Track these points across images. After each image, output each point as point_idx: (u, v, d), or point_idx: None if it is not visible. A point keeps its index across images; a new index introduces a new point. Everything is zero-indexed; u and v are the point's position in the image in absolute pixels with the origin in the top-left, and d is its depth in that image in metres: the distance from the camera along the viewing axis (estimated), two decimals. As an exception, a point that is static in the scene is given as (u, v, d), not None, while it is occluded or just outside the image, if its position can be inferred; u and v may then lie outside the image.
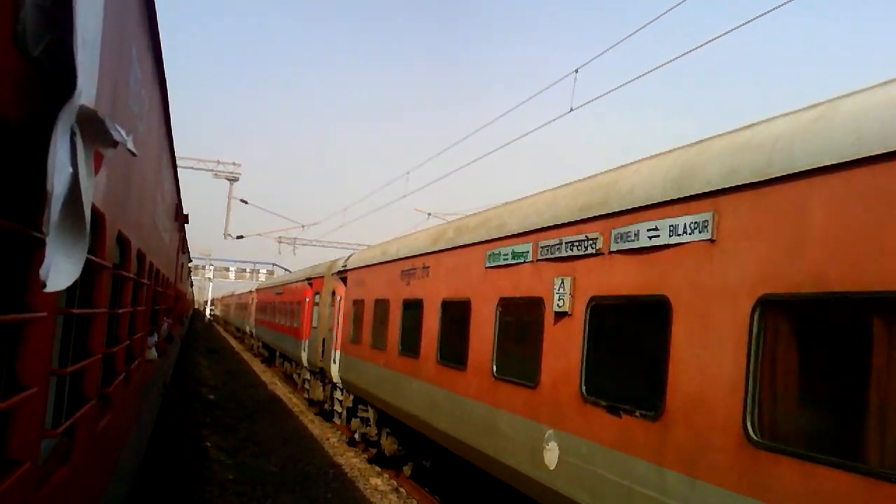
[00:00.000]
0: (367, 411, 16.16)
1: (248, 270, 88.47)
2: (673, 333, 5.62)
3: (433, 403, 10.89)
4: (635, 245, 6.17)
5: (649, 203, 6.01)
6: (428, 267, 11.72)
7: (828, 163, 4.35)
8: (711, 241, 5.27)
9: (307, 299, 23.81)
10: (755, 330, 4.82)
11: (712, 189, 5.30)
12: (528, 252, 8.13)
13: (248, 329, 50.84)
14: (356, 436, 17.11)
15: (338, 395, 18.92)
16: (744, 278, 4.95)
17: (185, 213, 16.52)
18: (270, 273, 79.89)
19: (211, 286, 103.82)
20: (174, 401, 19.94)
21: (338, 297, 18.86)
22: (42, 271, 2.23)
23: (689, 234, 5.50)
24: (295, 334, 26.01)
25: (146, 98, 5.79)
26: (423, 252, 12.06)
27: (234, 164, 39.16)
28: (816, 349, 4.61)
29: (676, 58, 10.30)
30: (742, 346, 4.90)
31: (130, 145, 3.01)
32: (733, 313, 5.01)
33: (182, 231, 18.26)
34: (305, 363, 23.56)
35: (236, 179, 39.27)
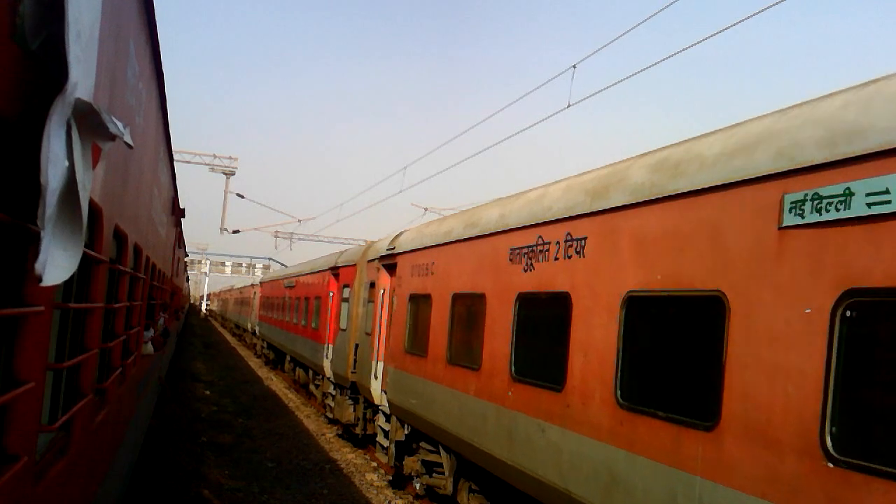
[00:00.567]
0: (435, 453, 11.51)
1: (244, 265, 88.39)
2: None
3: (595, 473, 6.52)
4: None
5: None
6: (580, 240, 7.18)
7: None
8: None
9: (331, 294, 19.58)
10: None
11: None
12: None
13: (249, 327, 46.57)
14: (416, 485, 12.25)
15: (381, 421, 14.05)
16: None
17: (181, 207, 16.50)
18: (266, 268, 79.83)
19: (207, 281, 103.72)
20: (168, 395, 19.93)
21: (380, 291, 14.23)
22: (38, 265, 2.21)
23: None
24: (313, 337, 21.47)
25: (143, 91, 5.77)
26: (568, 215, 7.43)
27: (230, 158, 39.06)
28: None
29: (674, 53, 10.30)
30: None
31: (127, 138, 3.00)
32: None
33: (178, 225, 18.23)
34: (329, 374, 19.03)
35: (233, 174, 39.17)
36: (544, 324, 7.95)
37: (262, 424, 18.56)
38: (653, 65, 10.90)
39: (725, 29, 9.18)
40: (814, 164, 4.54)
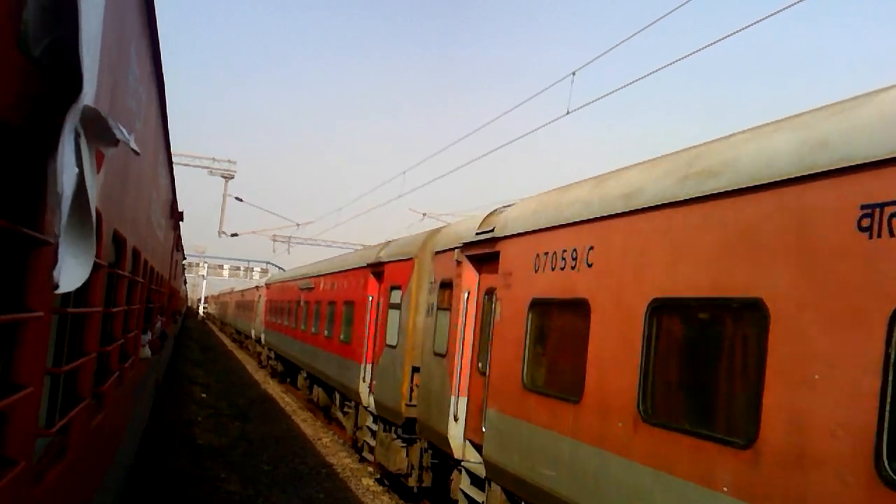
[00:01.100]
0: None
1: (241, 268, 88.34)
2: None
3: None
4: None
5: None
6: None
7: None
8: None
9: (370, 298, 15.24)
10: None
11: None
12: None
13: (253, 333, 41.13)
14: None
15: (466, 484, 9.69)
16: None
17: (179, 210, 16.49)
18: (264, 271, 79.73)
19: (205, 284, 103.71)
20: (164, 399, 19.89)
21: (461, 295, 10.17)
22: (55, 273, 2.24)
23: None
24: (342, 352, 17.20)
25: (144, 95, 5.78)
26: None
27: (229, 161, 39.09)
28: None
29: (674, 62, 10.33)
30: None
31: (133, 144, 3.02)
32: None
33: (177, 228, 18.22)
34: (368, 403, 14.79)
35: (231, 177, 39.19)
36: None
37: (259, 428, 18.53)
38: (652, 72, 10.93)
39: (727, 37, 9.21)
40: None
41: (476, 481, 9.43)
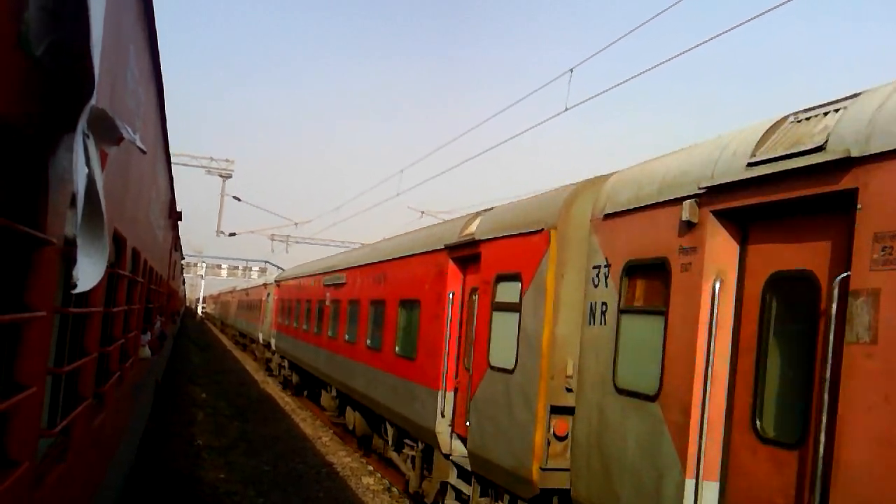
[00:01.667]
0: None
1: (240, 268, 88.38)
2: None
3: None
4: None
5: None
6: None
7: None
8: None
9: (451, 296, 10.59)
10: None
11: None
12: None
13: (260, 337, 35.87)
14: None
15: None
16: None
17: (178, 210, 16.48)
18: (263, 270, 79.65)
19: (203, 283, 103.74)
20: (162, 395, 19.89)
21: (707, 284, 5.45)
22: (74, 273, 2.26)
23: None
24: (406, 372, 12.17)
25: (142, 95, 5.77)
26: None
27: (226, 160, 39.01)
28: None
29: (672, 57, 10.30)
30: None
31: (140, 143, 3.03)
32: None
33: (175, 228, 18.20)
34: (456, 452, 10.22)
35: (229, 176, 39.13)
36: None
37: (258, 427, 18.52)
38: (651, 68, 10.90)
39: (723, 33, 9.19)
40: None
41: None
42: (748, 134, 5.47)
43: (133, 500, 10.17)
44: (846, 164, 4.26)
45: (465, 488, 9.65)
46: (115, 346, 5.92)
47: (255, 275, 79.19)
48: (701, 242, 5.50)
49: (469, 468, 9.38)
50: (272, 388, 28.15)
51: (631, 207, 6.54)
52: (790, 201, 4.75)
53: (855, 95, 4.70)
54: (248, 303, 44.16)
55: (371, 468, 14.99)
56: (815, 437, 4.36)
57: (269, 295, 32.90)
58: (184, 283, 67.96)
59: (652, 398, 5.89)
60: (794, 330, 4.94)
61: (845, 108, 4.65)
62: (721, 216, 5.40)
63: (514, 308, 8.44)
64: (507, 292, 8.67)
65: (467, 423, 9.36)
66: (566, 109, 13.34)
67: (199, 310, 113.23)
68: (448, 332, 10.41)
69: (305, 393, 24.87)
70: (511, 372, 8.29)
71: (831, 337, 4.26)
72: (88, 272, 2.47)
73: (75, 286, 2.33)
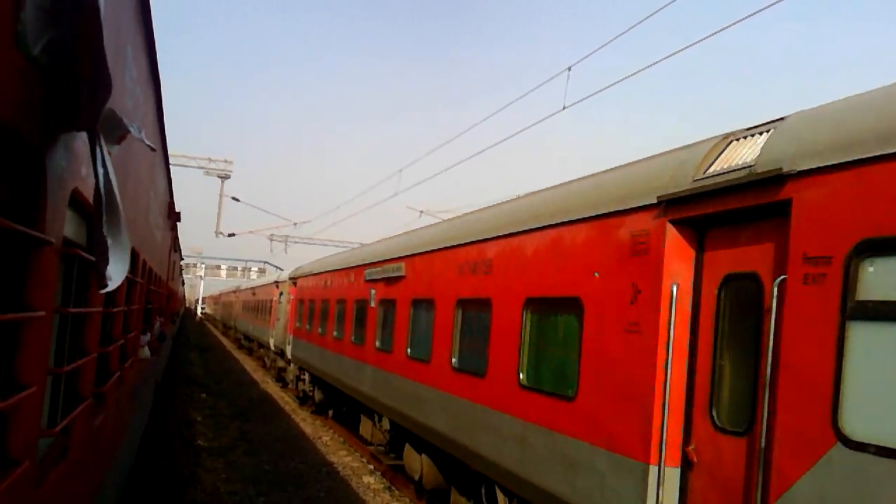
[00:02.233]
0: None
1: (239, 268, 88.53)
2: None
3: None
4: None
5: None
6: None
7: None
8: None
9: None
10: None
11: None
12: None
13: (272, 343, 30.69)
14: None
15: None
16: None
17: (177, 211, 16.49)
18: (262, 271, 79.56)
19: (202, 284, 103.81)
20: (161, 395, 19.89)
21: None
22: (108, 272, 2.30)
23: None
24: (568, 426, 6.99)
25: (140, 95, 5.78)
26: None
27: (225, 161, 38.97)
28: None
29: (670, 55, 10.31)
30: None
31: (148, 141, 3.05)
32: None
33: (174, 229, 18.21)
34: None
35: (228, 177, 39.09)
36: None
37: (259, 427, 18.53)
38: (648, 66, 10.92)
39: (720, 31, 9.20)
40: None
41: None
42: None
43: (133, 500, 10.18)
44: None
45: None
46: (115, 347, 5.93)
47: (254, 275, 79.20)
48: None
49: None
50: (272, 388, 28.15)
51: None
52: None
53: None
54: (256, 303, 39.17)
55: (372, 467, 15.01)
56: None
57: (281, 294, 28.47)
58: (183, 283, 67.96)
59: None
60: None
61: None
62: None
63: None
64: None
65: None
66: (564, 108, 13.35)
67: (199, 311, 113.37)
68: (667, 359, 5.73)
69: (330, 413, 20.38)
70: None
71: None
72: (114, 272, 2.52)
73: (106, 286, 2.39)
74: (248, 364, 38.38)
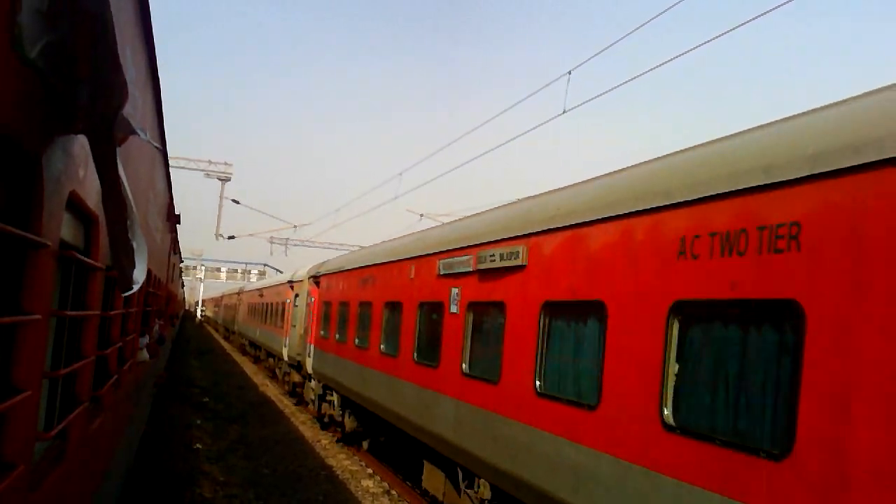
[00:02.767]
0: None
1: (239, 270, 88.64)
2: None
3: None
4: None
5: None
6: None
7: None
8: None
9: None
10: None
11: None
12: None
13: (285, 354, 25.85)
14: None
15: None
16: None
17: (176, 213, 16.49)
18: (262, 273, 79.57)
19: (202, 286, 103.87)
20: (162, 388, 19.86)
21: None
22: (135, 274, 2.34)
23: None
24: None
25: (139, 97, 5.77)
26: None
27: (225, 163, 39.08)
28: None
29: (670, 60, 10.32)
30: None
31: (155, 142, 3.06)
32: None
33: (174, 231, 18.20)
34: None
35: (228, 179, 39.17)
36: None
37: (258, 430, 18.50)
38: (647, 71, 10.93)
39: (721, 35, 9.20)
40: None
41: None
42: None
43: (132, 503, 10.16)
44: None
45: None
46: (113, 350, 5.91)
47: (254, 277, 79.23)
48: None
49: None
50: (271, 391, 28.11)
51: None
52: None
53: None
54: (264, 307, 33.57)
55: (371, 471, 14.97)
56: None
57: (297, 297, 24.16)
58: (183, 286, 67.92)
59: None
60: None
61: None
62: None
63: None
64: None
65: None
66: (564, 112, 13.36)
67: (199, 313, 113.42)
68: None
69: (365, 445, 16.67)
70: None
71: None
72: (138, 273, 2.57)
73: (131, 289, 2.45)
74: (248, 367, 38.35)
